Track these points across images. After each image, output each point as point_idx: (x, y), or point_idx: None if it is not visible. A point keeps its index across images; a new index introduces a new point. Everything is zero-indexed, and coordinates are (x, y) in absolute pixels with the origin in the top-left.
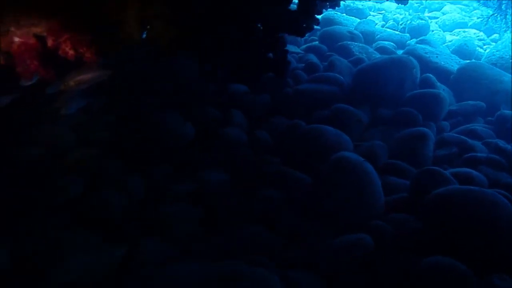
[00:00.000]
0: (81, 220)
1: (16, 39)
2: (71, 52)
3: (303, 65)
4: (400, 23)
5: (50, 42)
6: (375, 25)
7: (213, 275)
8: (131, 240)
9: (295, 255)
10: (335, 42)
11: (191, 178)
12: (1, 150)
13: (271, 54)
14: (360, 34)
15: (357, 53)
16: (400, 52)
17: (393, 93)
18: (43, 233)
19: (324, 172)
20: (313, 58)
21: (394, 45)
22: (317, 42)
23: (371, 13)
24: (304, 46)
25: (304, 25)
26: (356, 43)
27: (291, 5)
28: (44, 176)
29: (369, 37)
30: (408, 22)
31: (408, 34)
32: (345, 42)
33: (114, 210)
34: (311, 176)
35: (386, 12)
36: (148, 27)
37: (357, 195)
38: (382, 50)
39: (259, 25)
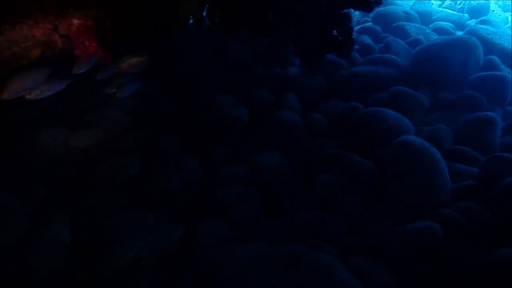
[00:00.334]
0: (141, 199)
1: (75, 21)
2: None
3: (357, 47)
4: (458, 2)
5: (108, 24)
6: (432, 5)
7: (275, 257)
8: (190, 221)
9: (358, 241)
10: (390, 23)
11: (247, 161)
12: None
13: (335, 31)
14: (416, 15)
15: (413, 34)
16: (459, 33)
17: (455, 76)
18: (105, 212)
19: (387, 157)
20: (367, 39)
21: (453, 25)
22: (370, 23)
23: None
24: (357, 28)
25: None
26: (412, 24)
27: None
28: (102, 157)
29: (425, 18)
30: (467, 1)
31: (467, 14)
32: (400, 22)
33: (172, 190)
34: (371, 160)
35: None
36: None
37: (423, 182)
38: (440, 31)
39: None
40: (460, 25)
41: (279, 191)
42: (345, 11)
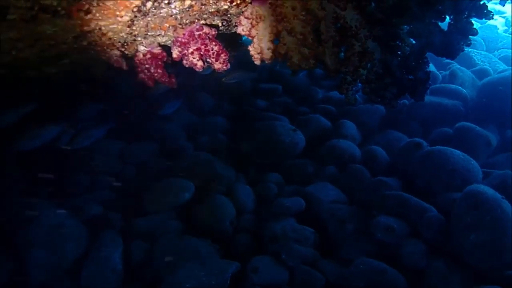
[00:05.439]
0: (193, 226)
1: (142, 48)
2: (199, 63)
3: None
4: None
5: (175, 53)
6: (497, 30)
7: None
8: (242, 256)
9: None
10: None
11: (302, 193)
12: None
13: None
14: (482, 40)
15: (479, 63)
16: None
17: None
18: (157, 237)
19: (455, 207)
20: (431, 66)
21: None
22: None
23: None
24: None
25: (458, 46)
26: (477, 51)
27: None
28: (157, 175)
29: (490, 44)
30: None
31: None
32: (466, 49)
33: (225, 220)
34: (435, 206)
35: (508, 15)
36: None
37: (491, 240)
38: (507, 60)
39: (402, 44)
40: None
41: (335, 231)
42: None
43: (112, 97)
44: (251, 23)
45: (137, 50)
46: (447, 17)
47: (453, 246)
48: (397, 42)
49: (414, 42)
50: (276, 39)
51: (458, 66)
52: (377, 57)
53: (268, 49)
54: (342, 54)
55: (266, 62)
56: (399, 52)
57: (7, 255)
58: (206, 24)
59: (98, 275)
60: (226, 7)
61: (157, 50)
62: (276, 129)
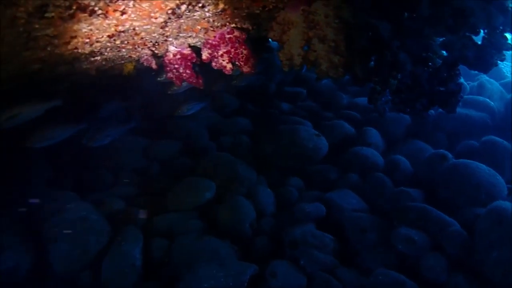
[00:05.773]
0: (213, 227)
1: (172, 48)
2: (229, 65)
3: None
4: None
5: (204, 55)
6: None
7: None
8: (261, 259)
9: None
10: None
11: (323, 199)
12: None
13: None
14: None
15: (508, 75)
16: None
17: None
18: (177, 236)
19: (478, 223)
20: None
21: None
22: None
23: None
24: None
25: (491, 61)
26: (507, 63)
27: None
28: (179, 173)
29: None
30: None
31: None
32: None
33: (245, 222)
34: (458, 220)
35: None
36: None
37: None
38: None
39: (434, 56)
40: None
41: (355, 239)
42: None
43: (135, 95)
44: (282, 29)
45: (167, 50)
46: (482, 31)
47: (474, 262)
48: (429, 54)
49: (446, 54)
50: (306, 45)
51: (487, 78)
52: (408, 68)
53: (298, 55)
54: (372, 63)
55: (294, 68)
56: (430, 64)
57: (31, 246)
58: (236, 27)
59: (117, 269)
60: (258, 11)
61: (187, 51)
62: (299, 134)
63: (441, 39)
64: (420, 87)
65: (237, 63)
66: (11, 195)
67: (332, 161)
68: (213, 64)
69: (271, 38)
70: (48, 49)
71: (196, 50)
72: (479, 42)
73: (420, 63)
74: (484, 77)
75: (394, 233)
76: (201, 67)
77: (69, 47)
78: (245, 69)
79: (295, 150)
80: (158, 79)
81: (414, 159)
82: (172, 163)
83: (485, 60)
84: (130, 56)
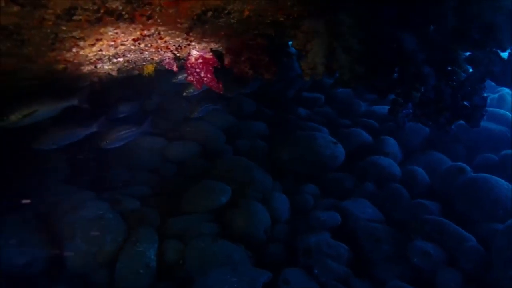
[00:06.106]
0: (227, 230)
1: (194, 52)
2: (250, 72)
3: None
4: None
5: (227, 60)
6: None
7: None
8: (274, 266)
9: None
10: None
11: (338, 208)
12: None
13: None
14: None
15: None
16: None
17: None
18: (192, 238)
19: (496, 240)
20: None
21: None
22: None
23: None
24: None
25: None
26: None
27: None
28: (195, 175)
29: None
30: None
31: None
32: None
33: (259, 228)
34: (475, 235)
35: None
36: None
37: None
38: None
39: (458, 70)
40: None
41: (370, 250)
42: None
43: (151, 95)
44: (306, 38)
45: (189, 54)
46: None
47: (490, 279)
48: (454, 67)
49: (471, 69)
50: (329, 55)
51: (508, 90)
52: (431, 82)
53: (321, 64)
54: (396, 75)
55: (316, 78)
56: (454, 77)
57: (47, 242)
58: (259, 34)
59: (132, 270)
60: (282, 19)
61: (209, 55)
62: (317, 141)
63: (466, 53)
64: (444, 101)
65: (258, 69)
66: (29, 191)
67: (348, 169)
68: (235, 69)
69: (294, 47)
70: (74, 50)
71: (217, 54)
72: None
73: (444, 76)
74: (504, 90)
75: (410, 245)
76: (219, 70)
77: (94, 49)
78: (266, 76)
79: (312, 157)
80: (173, 80)
81: (431, 170)
82: (188, 165)
83: (511, 75)
84: (152, 59)
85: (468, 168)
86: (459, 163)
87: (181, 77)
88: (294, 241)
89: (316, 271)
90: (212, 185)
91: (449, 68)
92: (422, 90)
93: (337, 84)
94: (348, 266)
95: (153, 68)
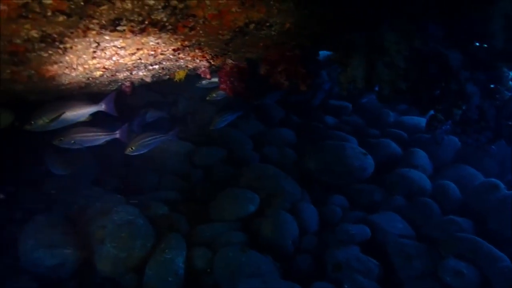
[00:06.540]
0: (254, 240)
1: (229, 61)
2: (286, 82)
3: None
4: None
5: (263, 70)
6: None
7: None
8: (302, 279)
9: None
10: None
11: (368, 221)
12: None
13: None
14: None
15: None
16: None
17: None
18: (220, 248)
19: None
20: None
21: None
22: None
23: None
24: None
25: None
26: None
27: None
28: (222, 181)
29: None
30: None
31: None
32: None
33: (287, 238)
34: (508, 255)
35: None
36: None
37: None
38: None
39: (502, 88)
40: None
41: (401, 267)
42: None
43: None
44: (347, 51)
45: (224, 63)
46: None
47: None
48: (498, 86)
49: None
50: (369, 69)
51: None
52: (475, 101)
53: (362, 79)
54: (438, 91)
55: (354, 92)
56: (497, 96)
57: (78, 245)
58: (297, 46)
59: (160, 277)
60: (321, 31)
61: (243, 64)
62: (346, 151)
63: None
64: (486, 120)
65: (294, 81)
66: (62, 192)
67: (376, 181)
68: (270, 80)
69: (333, 59)
70: (114, 59)
71: (249, 62)
72: None
73: (487, 94)
74: None
75: (442, 264)
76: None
77: (134, 57)
78: (302, 87)
79: (340, 168)
80: (197, 85)
81: (462, 185)
82: (215, 171)
83: None
84: (187, 66)
85: (502, 185)
86: (493, 179)
87: (204, 82)
88: (322, 253)
89: (346, 286)
90: (240, 193)
91: (493, 86)
92: (464, 108)
93: (378, 99)
94: (378, 282)
95: (185, 74)
